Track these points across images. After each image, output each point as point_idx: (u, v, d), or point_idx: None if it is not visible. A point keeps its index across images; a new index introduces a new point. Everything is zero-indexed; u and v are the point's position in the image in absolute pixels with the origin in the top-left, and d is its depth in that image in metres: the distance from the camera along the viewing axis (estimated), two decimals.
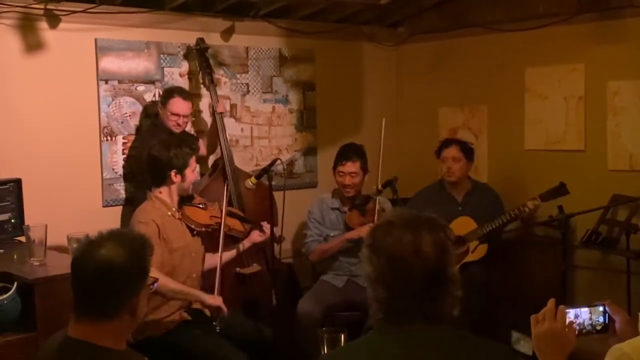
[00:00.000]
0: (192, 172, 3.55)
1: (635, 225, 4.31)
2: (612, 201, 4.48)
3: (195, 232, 3.60)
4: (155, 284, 2.11)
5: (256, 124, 5.20)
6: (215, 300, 3.48)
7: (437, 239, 1.70)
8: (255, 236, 3.83)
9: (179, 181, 3.49)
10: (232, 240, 3.85)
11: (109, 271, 1.88)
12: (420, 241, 1.68)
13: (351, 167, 4.31)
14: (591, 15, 4.69)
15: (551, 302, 1.82)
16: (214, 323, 3.48)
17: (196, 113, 4.81)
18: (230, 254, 3.79)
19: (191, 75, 4.83)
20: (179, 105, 4.36)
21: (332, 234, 4.39)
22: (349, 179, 4.31)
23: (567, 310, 1.82)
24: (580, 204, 4.34)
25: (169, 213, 3.51)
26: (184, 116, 4.38)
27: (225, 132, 4.60)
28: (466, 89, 5.48)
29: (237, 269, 4.33)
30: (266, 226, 3.82)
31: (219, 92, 4.73)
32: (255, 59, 5.17)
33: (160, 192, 3.52)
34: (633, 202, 4.37)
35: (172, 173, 3.47)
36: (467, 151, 4.61)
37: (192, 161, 3.54)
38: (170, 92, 4.43)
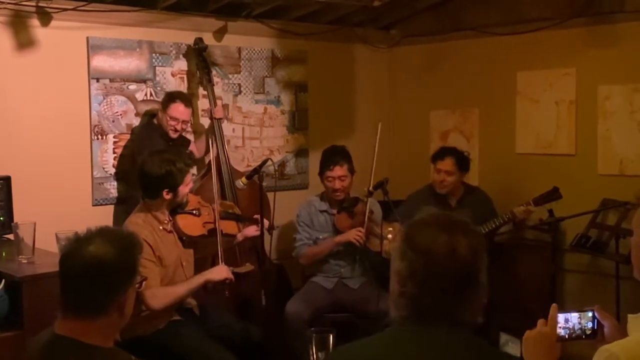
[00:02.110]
0: (186, 187, 3.46)
1: (625, 229, 4.32)
2: (602, 205, 4.50)
3: (187, 243, 3.55)
4: (144, 282, 2.10)
5: (248, 124, 5.19)
6: (221, 273, 3.47)
7: (472, 242, 1.70)
8: (251, 230, 3.82)
9: (170, 198, 3.41)
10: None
11: (97, 268, 1.87)
12: (456, 243, 1.68)
13: (339, 171, 4.29)
14: (583, 19, 4.71)
15: (553, 309, 1.83)
16: (226, 293, 3.53)
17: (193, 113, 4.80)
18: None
19: (188, 74, 4.83)
20: (179, 110, 4.36)
21: (321, 237, 4.38)
22: (338, 183, 4.30)
23: (557, 315, 1.83)
24: (571, 208, 4.36)
25: (161, 227, 3.43)
26: (182, 122, 4.38)
27: (223, 135, 4.61)
28: (458, 92, 5.49)
29: (231, 268, 4.32)
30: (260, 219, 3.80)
31: None
32: (248, 60, 5.17)
33: (152, 205, 3.43)
34: (622, 207, 4.38)
35: (164, 192, 3.37)
36: (462, 163, 4.55)
37: (187, 177, 3.44)
38: (172, 97, 4.42)
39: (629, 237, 4.24)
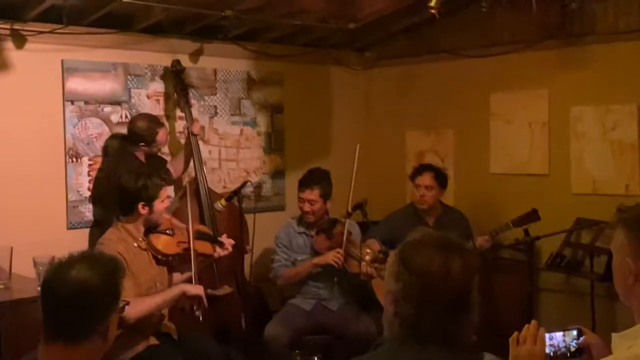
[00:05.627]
0: (162, 202, 3.44)
1: (599, 247, 4.37)
2: (576, 224, 4.56)
3: (161, 261, 3.52)
4: (126, 307, 2.07)
5: (224, 146, 5.19)
6: (197, 288, 3.42)
7: (466, 262, 1.71)
8: (218, 251, 3.78)
9: (146, 213, 3.39)
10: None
11: (80, 293, 1.84)
12: (451, 263, 1.69)
13: (309, 194, 4.31)
14: (555, 42, 4.79)
15: (533, 325, 1.84)
16: (196, 313, 3.45)
17: (170, 134, 4.78)
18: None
19: (165, 96, 4.82)
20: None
21: (299, 258, 4.38)
22: (307, 206, 4.32)
23: (545, 334, 1.84)
24: (545, 227, 4.40)
25: (135, 244, 3.40)
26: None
27: (200, 153, 4.59)
28: (433, 113, 5.55)
29: (208, 290, 4.28)
30: (228, 241, 3.76)
31: None
32: (224, 81, 5.17)
33: (127, 222, 3.41)
34: (596, 226, 4.44)
35: (140, 205, 3.36)
36: (441, 178, 4.61)
37: (163, 192, 3.43)
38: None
39: (603, 255, 4.33)
